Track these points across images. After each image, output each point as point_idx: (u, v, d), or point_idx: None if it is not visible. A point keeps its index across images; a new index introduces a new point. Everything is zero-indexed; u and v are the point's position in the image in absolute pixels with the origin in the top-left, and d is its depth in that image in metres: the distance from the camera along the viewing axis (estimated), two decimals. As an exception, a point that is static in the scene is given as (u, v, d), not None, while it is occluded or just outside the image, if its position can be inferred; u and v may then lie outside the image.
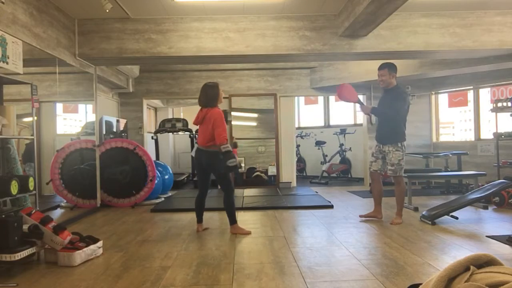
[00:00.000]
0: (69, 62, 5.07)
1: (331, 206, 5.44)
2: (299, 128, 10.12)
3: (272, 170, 8.06)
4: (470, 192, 5.02)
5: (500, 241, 3.49)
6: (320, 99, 10.00)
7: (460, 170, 6.89)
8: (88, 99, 6.12)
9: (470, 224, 4.25)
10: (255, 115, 9.14)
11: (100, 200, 5.79)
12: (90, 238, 3.28)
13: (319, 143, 9.15)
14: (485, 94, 7.46)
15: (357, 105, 4.56)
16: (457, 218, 4.37)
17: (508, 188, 4.88)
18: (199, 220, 4.18)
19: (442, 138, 8.31)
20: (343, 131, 8.95)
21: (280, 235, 3.88)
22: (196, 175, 4.29)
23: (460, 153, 7.00)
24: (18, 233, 2.89)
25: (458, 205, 4.50)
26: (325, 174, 8.80)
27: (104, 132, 6.44)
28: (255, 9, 5.12)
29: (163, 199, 6.36)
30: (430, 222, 4.25)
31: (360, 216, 4.64)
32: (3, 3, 3.65)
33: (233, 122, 8.00)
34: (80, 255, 3.03)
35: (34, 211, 3.22)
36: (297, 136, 9.19)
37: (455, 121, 8.66)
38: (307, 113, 10.69)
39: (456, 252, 3.22)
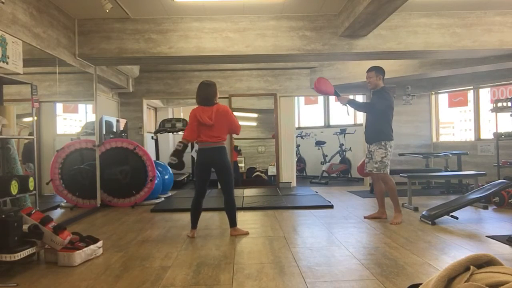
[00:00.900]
0: (69, 62, 5.07)
1: (331, 206, 5.44)
2: (299, 128, 10.12)
3: (272, 170, 8.06)
4: (470, 192, 5.02)
5: (500, 241, 3.49)
6: (320, 99, 10.00)
7: (460, 170, 6.89)
8: (88, 99, 6.12)
9: (470, 224, 4.25)
10: (255, 115, 9.15)
11: (100, 200, 5.79)
12: (90, 238, 3.28)
13: (319, 143, 9.15)
14: (485, 94, 7.46)
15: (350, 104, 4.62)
16: (457, 218, 4.37)
17: (508, 188, 4.88)
18: (195, 225, 3.94)
19: (442, 138, 8.31)
20: (343, 131, 8.95)
21: (280, 235, 3.88)
22: (197, 177, 3.99)
23: (460, 153, 7.00)
24: (18, 233, 2.89)
25: (458, 205, 4.49)
26: (325, 174, 8.80)
27: (104, 132, 6.44)
28: (255, 9, 5.12)
29: (163, 199, 6.36)
30: (430, 222, 4.25)
31: (365, 218, 4.64)
32: (3, 3, 3.65)
33: (233, 122, 7.99)
34: (80, 255, 3.03)
35: (34, 211, 3.22)
36: (297, 136, 9.19)
37: (455, 121, 8.67)
38: (307, 113, 10.69)
39: (456, 252, 3.21)
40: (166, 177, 6.77)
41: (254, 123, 9.29)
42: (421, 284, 0.92)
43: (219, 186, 7.72)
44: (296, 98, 9.17)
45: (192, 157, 9.08)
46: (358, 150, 8.66)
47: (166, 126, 8.98)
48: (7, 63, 3.60)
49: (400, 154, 7.52)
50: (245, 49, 5.31)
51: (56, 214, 5.47)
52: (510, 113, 6.09)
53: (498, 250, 3.26)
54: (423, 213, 4.52)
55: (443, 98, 8.21)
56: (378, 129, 4.47)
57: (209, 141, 3.84)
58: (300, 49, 5.32)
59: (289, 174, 7.97)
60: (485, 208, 5.05)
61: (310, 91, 8.11)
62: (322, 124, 10.10)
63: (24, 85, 4.05)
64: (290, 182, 7.88)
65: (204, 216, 4.97)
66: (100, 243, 3.31)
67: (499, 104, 6.16)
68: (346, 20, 4.91)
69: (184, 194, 7.15)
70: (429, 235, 3.79)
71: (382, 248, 3.37)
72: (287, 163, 7.96)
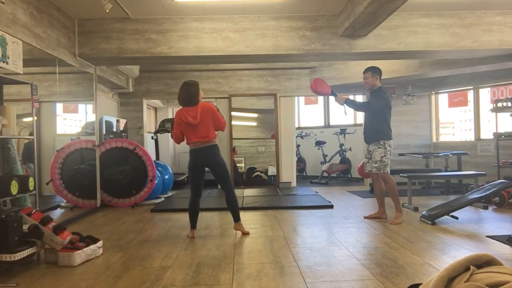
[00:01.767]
0: (69, 62, 5.07)
1: (331, 206, 5.44)
2: (299, 128, 10.12)
3: (272, 170, 8.05)
4: (470, 192, 5.02)
5: (500, 241, 3.49)
6: (320, 99, 10.00)
7: (460, 170, 6.89)
8: (88, 99, 6.12)
9: (470, 224, 4.25)
10: (255, 115, 9.14)
11: (100, 200, 5.79)
12: (90, 238, 3.28)
13: (319, 143, 9.15)
14: (485, 94, 7.46)
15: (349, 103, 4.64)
16: (457, 218, 4.37)
17: (508, 188, 4.88)
18: (194, 226, 3.94)
19: (442, 138, 8.31)
20: (343, 131, 8.95)
21: (280, 235, 3.88)
22: (190, 178, 3.97)
23: (460, 153, 7.00)
24: (18, 233, 2.89)
25: (458, 205, 4.49)
26: (325, 174, 8.80)
27: (104, 132, 6.44)
28: (255, 9, 5.12)
29: (163, 199, 6.36)
30: (430, 222, 4.25)
31: (365, 218, 4.65)
32: (3, 3, 3.66)
33: (233, 122, 8.00)
34: (80, 255, 3.03)
35: (34, 211, 3.22)
36: (297, 136, 9.19)
37: (455, 121, 8.66)
38: (307, 113, 10.69)
39: (456, 252, 3.21)
40: (166, 177, 6.77)
41: (254, 123, 9.28)
42: (421, 284, 0.92)
43: (219, 186, 7.76)
44: (296, 98, 9.17)
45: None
46: (358, 150, 8.65)
47: (166, 126, 8.95)
48: (7, 63, 3.60)
49: (400, 154, 7.52)
50: (245, 49, 5.31)
51: (56, 214, 5.47)
52: (510, 113, 6.09)
53: (498, 250, 3.26)
54: (423, 213, 4.52)
55: (443, 98, 8.21)
56: (376, 128, 4.48)
57: (199, 141, 3.83)
58: (300, 49, 5.32)
59: (289, 174, 7.97)
60: (485, 208, 5.05)
61: (310, 91, 8.11)
62: (322, 124, 10.10)
63: (24, 85, 4.05)
64: (290, 182, 7.88)
65: (204, 216, 4.98)
66: (100, 243, 3.31)
67: (499, 104, 6.16)
68: (346, 20, 4.91)
69: (184, 194, 7.15)
70: (429, 235, 3.79)
71: (382, 248, 3.37)
72: (287, 163, 7.96)
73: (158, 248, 3.49)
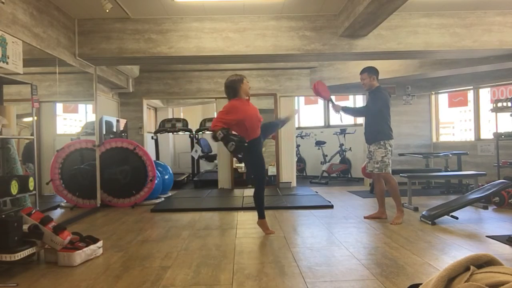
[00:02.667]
0: (69, 62, 5.07)
1: (331, 206, 5.44)
2: (299, 128, 10.11)
3: (272, 170, 8.05)
4: (470, 192, 5.02)
5: (500, 241, 3.49)
6: (320, 99, 9.99)
7: (460, 170, 6.89)
8: (88, 99, 6.12)
9: (470, 224, 4.25)
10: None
11: (100, 200, 5.78)
12: (90, 238, 3.28)
13: (319, 143, 9.15)
14: (485, 94, 7.46)
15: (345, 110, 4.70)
16: (457, 218, 4.37)
17: (508, 188, 4.88)
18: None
19: (442, 138, 8.31)
20: (343, 131, 8.95)
21: (280, 235, 3.88)
22: (263, 165, 4.05)
23: (460, 153, 7.00)
24: (18, 233, 2.89)
25: (458, 205, 4.49)
26: (325, 174, 8.80)
27: (104, 132, 6.44)
28: (255, 9, 5.12)
29: (163, 199, 6.36)
30: (430, 222, 4.25)
31: (365, 218, 4.65)
32: (3, 3, 3.65)
33: (233, 122, 7.98)
34: (80, 255, 3.03)
35: (34, 211, 3.22)
36: (297, 136, 9.19)
37: (455, 121, 8.66)
38: (307, 113, 10.69)
39: (456, 252, 3.21)
40: (166, 177, 6.77)
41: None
42: (421, 284, 0.92)
43: (219, 186, 7.76)
44: (296, 98, 9.17)
45: (192, 157, 9.10)
46: (358, 150, 8.66)
47: (166, 126, 8.99)
48: (7, 63, 3.60)
49: (400, 154, 7.52)
50: (245, 49, 5.31)
51: (56, 214, 5.47)
52: (510, 113, 6.09)
53: (498, 250, 3.26)
54: (423, 213, 4.52)
55: (443, 98, 8.21)
56: (376, 129, 4.50)
57: (258, 133, 3.92)
58: (300, 49, 5.32)
59: (289, 174, 7.97)
60: (485, 208, 5.05)
61: (310, 91, 8.10)
62: (322, 124, 10.11)
63: (24, 85, 4.05)
64: (290, 182, 7.88)
65: (204, 216, 4.99)
66: (100, 243, 3.31)
67: (499, 104, 6.16)
68: (346, 20, 4.91)
69: (184, 194, 7.15)
70: (429, 235, 3.79)
71: (382, 248, 3.37)
72: (287, 163, 7.96)
73: (158, 248, 3.49)
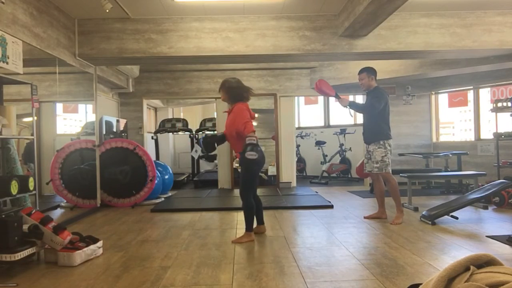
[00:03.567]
0: (69, 62, 5.07)
1: (331, 206, 5.44)
2: (299, 128, 10.11)
3: (272, 170, 8.05)
4: (470, 192, 5.02)
5: (500, 241, 3.49)
6: (320, 99, 10.00)
7: (460, 170, 6.89)
8: (88, 99, 6.12)
9: (470, 224, 4.25)
10: (255, 115, 9.13)
11: (100, 200, 5.79)
12: (90, 238, 3.28)
13: (319, 143, 9.15)
14: (485, 94, 7.46)
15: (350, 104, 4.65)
16: (457, 218, 4.37)
17: (508, 188, 4.88)
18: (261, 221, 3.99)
19: (442, 138, 8.31)
20: (343, 131, 8.95)
21: (280, 235, 3.88)
22: (256, 176, 3.85)
23: (460, 153, 7.00)
24: (18, 233, 2.89)
25: (458, 205, 4.49)
26: (325, 174, 8.80)
27: (104, 132, 6.44)
28: (255, 9, 5.12)
29: (163, 199, 6.36)
30: (430, 222, 4.25)
31: (365, 218, 4.65)
32: (3, 3, 3.65)
33: (233, 122, 7.99)
34: (80, 255, 3.03)
35: (34, 211, 3.21)
36: (297, 136, 9.18)
37: (455, 121, 8.67)
38: (307, 113, 10.68)
39: (456, 252, 3.21)
40: (166, 177, 6.77)
41: (254, 123, 9.27)
42: (421, 284, 0.92)
43: (219, 186, 7.76)
44: (296, 98, 9.17)
45: (192, 157, 9.10)
46: (358, 150, 8.65)
47: (166, 126, 8.99)
48: (7, 63, 3.60)
49: (400, 154, 7.52)
50: (245, 49, 5.31)
51: (56, 214, 5.47)
52: (510, 113, 6.09)
53: (498, 250, 3.26)
54: (423, 213, 4.52)
55: (443, 98, 8.21)
56: (375, 129, 4.50)
57: (256, 138, 3.79)
58: (300, 49, 5.32)
59: (289, 174, 7.97)
60: (485, 208, 5.05)
61: (310, 91, 8.11)
62: (322, 124, 10.10)
63: (24, 85, 4.05)
64: (290, 182, 7.88)
65: (204, 216, 4.99)
66: (100, 243, 3.31)
67: (499, 104, 6.16)
68: (346, 20, 4.91)
69: (184, 194, 7.15)
70: (429, 235, 3.79)
71: (382, 248, 3.37)
72: (287, 163, 7.96)
73: (158, 248, 3.49)
